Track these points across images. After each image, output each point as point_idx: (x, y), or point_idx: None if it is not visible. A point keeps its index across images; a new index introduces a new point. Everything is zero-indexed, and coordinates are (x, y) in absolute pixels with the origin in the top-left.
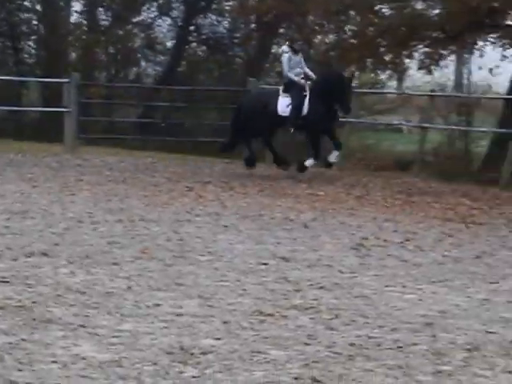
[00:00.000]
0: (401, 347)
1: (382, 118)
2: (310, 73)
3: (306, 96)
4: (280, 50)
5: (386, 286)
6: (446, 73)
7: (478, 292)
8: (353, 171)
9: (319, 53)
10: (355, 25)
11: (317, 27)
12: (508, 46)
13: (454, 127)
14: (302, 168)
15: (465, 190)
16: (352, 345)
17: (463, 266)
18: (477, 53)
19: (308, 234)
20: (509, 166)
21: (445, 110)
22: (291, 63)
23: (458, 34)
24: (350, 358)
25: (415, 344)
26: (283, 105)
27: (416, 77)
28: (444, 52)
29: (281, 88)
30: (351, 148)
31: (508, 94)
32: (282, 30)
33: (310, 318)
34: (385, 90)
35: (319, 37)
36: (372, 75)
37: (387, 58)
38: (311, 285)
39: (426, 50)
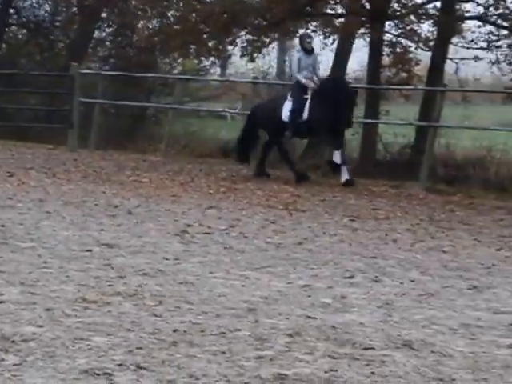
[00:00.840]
0: (224, 333)
1: (206, 105)
2: (320, 76)
3: (306, 99)
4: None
5: (210, 273)
6: (268, 60)
7: (300, 278)
8: (177, 158)
9: (142, 38)
10: (178, 10)
11: (139, 12)
12: (328, 35)
13: None
14: (335, 167)
15: (287, 176)
16: (176, 331)
17: (285, 252)
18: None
19: (132, 220)
20: (329, 153)
21: (268, 97)
22: (301, 64)
23: (280, 21)
24: (174, 344)
25: (238, 330)
26: (286, 110)
27: (239, 64)
28: (266, 39)
29: (289, 92)
30: (175, 135)
31: None
32: (104, 15)
33: (134, 305)
34: (208, 77)
35: (142, 22)
36: (196, 62)
37: (210, 44)
38: (135, 271)
39: (249, 37)
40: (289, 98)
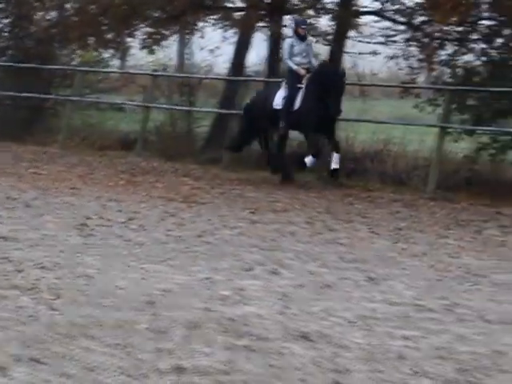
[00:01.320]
0: (122, 326)
1: (106, 97)
2: (315, 63)
3: (300, 88)
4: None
5: (109, 266)
6: (168, 53)
7: (199, 270)
8: (76, 150)
9: (40, 29)
10: (76, 2)
11: (37, 3)
12: (228, 28)
13: (176, 107)
14: (333, 171)
15: (187, 169)
16: (73, 324)
17: (185, 245)
18: (198, 34)
19: (30, 213)
20: (228, 146)
21: (167, 90)
22: (294, 50)
23: (180, 14)
24: (72, 338)
25: (137, 323)
26: (279, 97)
27: (139, 56)
28: (166, 32)
29: (284, 80)
30: (74, 127)
31: (228, 76)
32: (0, 5)
33: (32, 299)
34: (108, 69)
35: (40, 13)
36: (95, 53)
37: (109, 36)
38: (33, 265)
39: (148, 29)
40: (283, 85)
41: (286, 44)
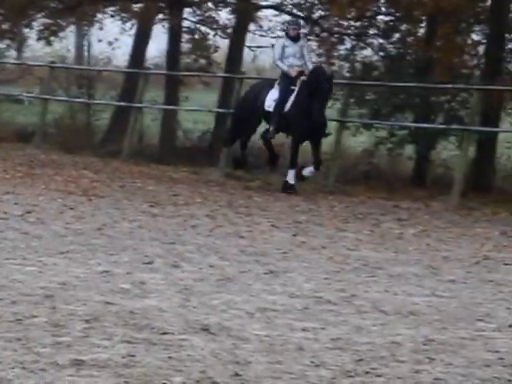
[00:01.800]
0: (20, 320)
1: (2, 88)
2: (311, 67)
3: (293, 90)
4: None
5: (6, 259)
6: (66, 44)
7: (99, 264)
8: None
9: None
10: None
11: None
12: (127, 20)
13: (75, 99)
14: (286, 186)
15: (87, 162)
16: None
17: (84, 238)
18: (97, 25)
19: None
20: (130, 138)
21: (66, 82)
22: (285, 52)
23: (77, 5)
24: None
25: (35, 316)
26: (271, 98)
27: (37, 47)
28: (63, 23)
29: (278, 80)
30: None
31: (128, 68)
32: None
33: None
34: (4, 60)
35: None
36: None
37: (5, 26)
38: None
39: (45, 20)
40: (276, 86)
41: (277, 44)
